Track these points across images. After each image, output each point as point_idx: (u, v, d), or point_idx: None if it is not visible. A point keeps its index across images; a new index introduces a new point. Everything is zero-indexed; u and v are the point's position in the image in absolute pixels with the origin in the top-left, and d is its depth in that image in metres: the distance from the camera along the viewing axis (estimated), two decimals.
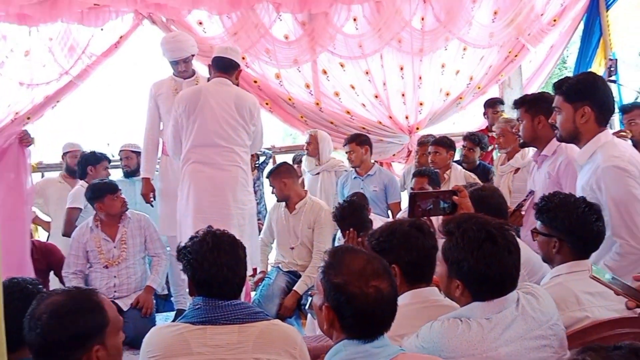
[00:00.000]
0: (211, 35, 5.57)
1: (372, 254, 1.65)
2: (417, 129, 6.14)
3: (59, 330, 1.57)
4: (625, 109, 4.08)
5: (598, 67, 6.09)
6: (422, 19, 5.95)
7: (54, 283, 4.13)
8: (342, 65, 5.96)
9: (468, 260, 1.71)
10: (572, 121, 2.54)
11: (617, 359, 0.90)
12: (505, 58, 6.28)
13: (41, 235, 5.19)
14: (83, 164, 4.66)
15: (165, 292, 4.62)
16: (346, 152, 4.83)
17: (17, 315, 1.61)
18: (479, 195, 2.51)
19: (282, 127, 6.19)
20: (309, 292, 3.77)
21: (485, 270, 1.70)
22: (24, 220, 4.41)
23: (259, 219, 4.61)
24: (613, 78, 5.81)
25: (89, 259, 3.92)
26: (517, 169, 4.23)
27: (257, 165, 5.58)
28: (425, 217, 2.24)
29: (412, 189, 4.14)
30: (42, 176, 5.56)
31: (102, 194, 3.85)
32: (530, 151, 4.17)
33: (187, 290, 2.13)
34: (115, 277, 3.91)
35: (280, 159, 6.52)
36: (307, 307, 2.32)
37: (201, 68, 4.53)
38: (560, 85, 2.59)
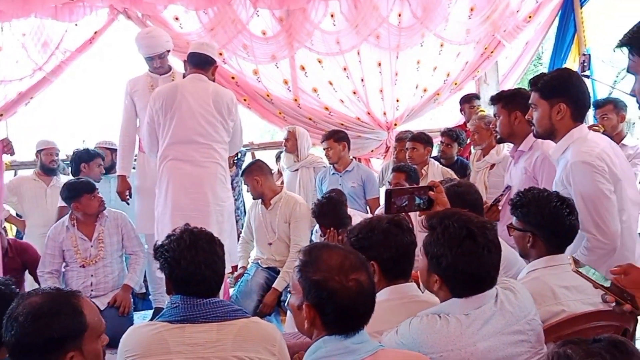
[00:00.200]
0: (187, 31, 5.52)
1: (348, 249, 1.65)
2: (395, 125, 6.17)
3: (32, 333, 1.55)
4: (599, 104, 4.15)
5: (573, 63, 6.17)
6: (399, 15, 5.98)
7: (28, 282, 4.07)
8: (320, 62, 5.95)
9: (447, 256, 1.72)
10: (548, 117, 2.56)
11: (597, 351, 0.92)
12: (482, 54, 6.34)
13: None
14: (76, 162, 4.62)
15: (143, 290, 4.58)
16: (324, 149, 4.83)
17: None
18: (455, 191, 2.52)
19: (260, 124, 6.17)
20: (289, 289, 3.77)
21: (463, 268, 1.71)
22: None
23: (237, 216, 4.59)
24: (587, 73, 5.89)
25: (65, 258, 3.87)
26: (493, 165, 4.27)
27: (235, 161, 5.55)
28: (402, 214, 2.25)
29: (389, 183, 4.16)
30: (16, 174, 5.47)
31: (78, 193, 3.80)
32: (505, 147, 4.22)
33: (165, 288, 2.11)
34: (92, 276, 3.86)
35: (258, 155, 6.51)
36: (286, 303, 2.31)
37: (178, 64, 4.48)
38: (536, 82, 2.61)
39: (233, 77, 5.75)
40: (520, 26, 6.27)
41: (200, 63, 3.73)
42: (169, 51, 4.18)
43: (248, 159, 6.23)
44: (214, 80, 3.82)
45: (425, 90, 6.28)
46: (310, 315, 1.54)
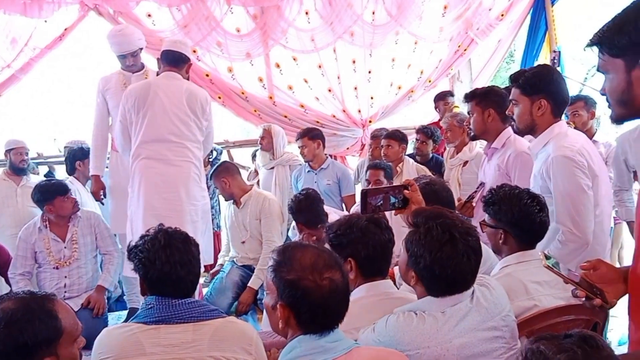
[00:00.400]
0: (160, 28, 5.47)
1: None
2: (370, 122, 6.20)
3: (4, 340, 1.51)
4: (570, 101, 4.21)
5: (544, 61, 6.26)
6: (373, 13, 6.00)
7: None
8: (295, 59, 5.95)
9: (425, 258, 1.73)
10: (529, 113, 2.60)
11: (569, 347, 0.94)
12: (455, 52, 6.40)
13: None
14: (71, 159, 4.60)
15: (119, 292, 4.53)
16: (299, 147, 4.83)
17: None
18: (431, 189, 2.55)
19: (235, 121, 6.14)
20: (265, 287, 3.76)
21: (439, 272, 1.72)
22: None
23: (212, 214, 4.57)
24: (557, 70, 5.99)
25: (37, 259, 3.80)
26: (466, 162, 4.31)
27: (210, 160, 5.52)
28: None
29: (367, 181, 4.17)
30: None
31: (51, 195, 3.73)
32: (478, 144, 4.27)
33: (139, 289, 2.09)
34: (66, 277, 3.81)
35: (234, 153, 6.49)
36: (263, 301, 2.31)
37: (151, 61, 4.44)
38: (517, 78, 2.65)
39: (207, 75, 5.71)
40: (492, 24, 6.35)
41: (174, 61, 3.69)
42: (141, 49, 4.12)
43: (224, 158, 6.21)
44: (188, 79, 3.79)
45: (399, 88, 6.32)
46: (285, 315, 1.54)
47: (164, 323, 1.88)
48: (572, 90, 6.34)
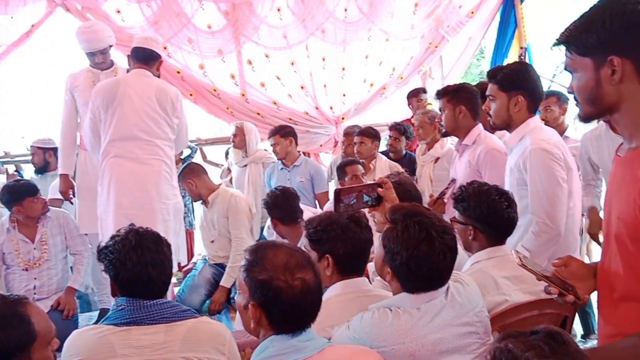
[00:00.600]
0: (130, 24, 5.39)
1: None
2: (343, 119, 6.21)
3: None
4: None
5: (514, 58, 6.35)
6: (345, 10, 6.01)
7: None
8: (267, 56, 5.92)
9: (401, 255, 1.73)
10: (506, 109, 2.65)
11: (535, 343, 0.95)
12: (426, 49, 6.45)
13: None
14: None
15: (90, 290, 4.47)
16: (271, 145, 4.82)
17: None
18: (404, 189, 2.57)
19: (208, 119, 6.09)
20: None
21: (415, 269, 1.73)
22: None
23: (184, 213, 4.54)
24: (533, 67, 6.06)
25: (5, 261, 3.71)
26: (437, 158, 4.35)
27: (182, 159, 5.48)
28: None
29: (339, 178, 4.14)
30: None
31: (20, 196, 3.65)
32: (449, 141, 4.31)
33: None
34: (35, 279, 3.73)
35: (206, 150, 6.45)
36: (235, 301, 2.29)
37: (120, 58, 4.37)
38: (495, 75, 2.70)
39: (178, 72, 5.65)
40: (463, 21, 6.41)
41: (145, 58, 3.65)
42: (111, 46, 4.07)
43: (198, 155, 6.17)
44: (158, 76, 3.75)
45: (372, 85, 6.34)
46: (256, 315, 1.53)
47: (136, 324, 1.86)
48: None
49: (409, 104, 5.72)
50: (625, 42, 1.38)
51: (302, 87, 6.06)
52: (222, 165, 6.46)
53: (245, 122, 5.17)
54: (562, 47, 1.49)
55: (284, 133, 4.76)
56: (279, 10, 5.84)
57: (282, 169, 4.81)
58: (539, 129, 2.65)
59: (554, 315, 2.13)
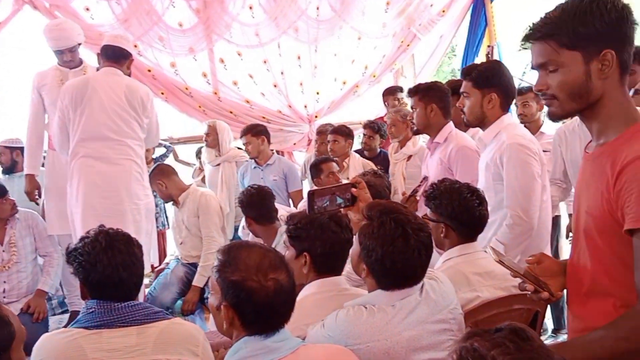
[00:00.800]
0: (100, 22, 5.31)
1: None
2: (316, 117, 6.21)
3: None
4: (521, 91, 4.31)
5: (484, 56, 6.42)
6: (318, 8, 6.00)
7: None
8: (239, 54, 5.89)
9: (377, 251, 1.73)
10: (479, 106, 2.69)
11: (500, 341, 0.96)
12: (398, 47, 6.47)
13: None
14: None
15: (60, 293, 4.39)
16: (243, 144, 4.80)
17: None
18: (374, 190, 2.58)
19: (180, 117, 6.03)
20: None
21: (390, 266, 1.73)
22: None
23: (156, 213, 4.49)
24: (506, 66, 6.12)
25: None
26: (410, 156, 4.37)
27: (154, 158, 5.42)
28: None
29: (315, 173, 4.11)
30: None
31: None
32: (421, 138, 4.33)
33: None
34: (4, 282, 3.66)
35: (179, 149, 6.39)
36: (208, 301, 2.28)
37: (90, 57, 4.30)
38: (470, 72, 2.74)
39: (149, 70, 5.58)
40: (434, 20, 6.45)
41: (114, 56, 3.61)
42: (80, 44, 4.00)
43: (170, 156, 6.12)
44: (129, 75, 3.71)
45: (344, 83, 6.34)
46: (229, 316, 1.52)
47: (107, 327, 1.83)
48: None
49: (384, 102, 5.74)
50: (617, 36, 1.38)
51: (275, 86, 6.04)
52: (194, 164, 6.41)
53: (218, 121, 5.14)
54: (538, 43, 1.44)
55: (255, 132, 4.74)
56: (250, 8, 5.81)
57: (255, 167, 4.79)
58: (514, 125, 2.72)
59: (526, 310, 2.16)
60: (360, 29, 6.20)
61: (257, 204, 3.48)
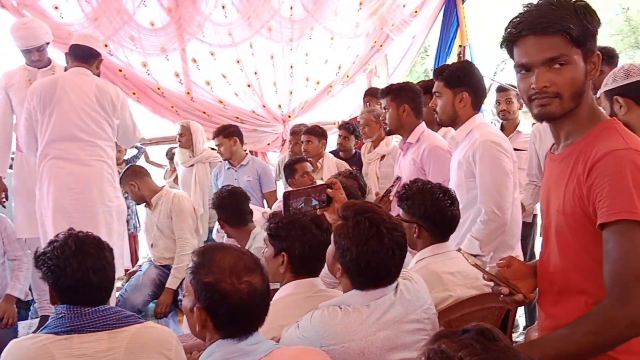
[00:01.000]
0: (69, 21, 5.20)
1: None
2: (289, 117, 6.19)
3: None
4: (502, 88, 4.38)
5: (456, 56, 6.49)
6: (291, 7, 5.99)
7: None
8: (212, 54, 5.84)
9: (351, 250, 1.74)
10: (451, 105, 2.75)
11: (468, 342, 0.97)
12: (372, 47, 6.50)
13: None
14: None
15: (29, 297, 4.30)
16: (216, 145, 4.77)
17: None
18: (347, 192, 2.59)
19: (152, 118, 5.95)
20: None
21: (364, 265, 1.74)
22: None
23: (127, 215, 4.44)
24: (477, 66, 6.19)
25: None
26: (383, 156, 4.39)
27: (125, 160, 5.35)
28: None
29: (289, 173, 4.11)
30: None
31: None
32: (394, 138, 4.36)
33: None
34: None
35: (152, 150, 6.31)
36: (182, 303, 2.26)
37: (58, 56, 4.22)
38: (441, 72, 2.80)
39: (120, 70, 5.49)
40: (407, 20, 6.50)
41: (84, 56, 3.56)
42: (48, 43, 3.93)
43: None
44: (99, 75, 3.66)
45: (318, 83, 6.34)
46: (202, 318, 1.51)
47: (77, 332, 1.81)
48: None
49: (366, 103, 5.73)
50: (596, 39, 1.40)
51: (248, 86, 6.01)
52: (165, 166, 6.34)
53: (192, 122, 5.10)
54: (549, 36, 1.38)
55: (227, 133, 4.71)
56: (223, 7, 5.76)
57: (229, 168, 4.77)
58: (485, 124, 2.78)
59: (498, 308, 2.20)
60: (333, 29, 6.21)
61: (229, 206, 3.46)
